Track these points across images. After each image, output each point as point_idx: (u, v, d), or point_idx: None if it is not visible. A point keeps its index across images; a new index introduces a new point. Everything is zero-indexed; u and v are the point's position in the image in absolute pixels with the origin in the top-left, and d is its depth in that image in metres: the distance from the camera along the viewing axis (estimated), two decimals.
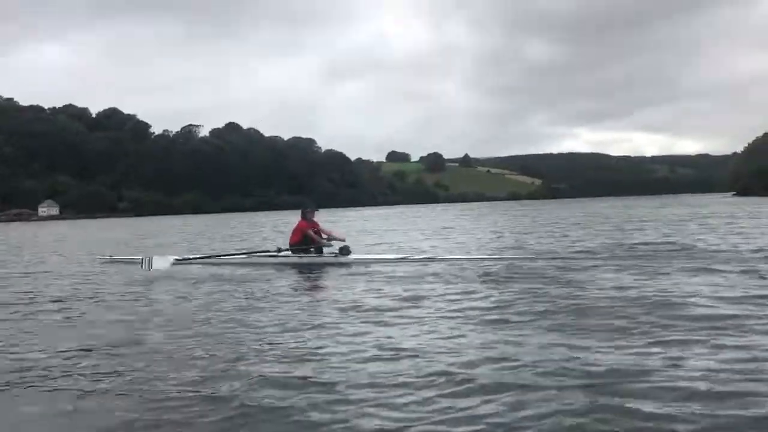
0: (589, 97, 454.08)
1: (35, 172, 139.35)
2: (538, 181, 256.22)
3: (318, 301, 7.84)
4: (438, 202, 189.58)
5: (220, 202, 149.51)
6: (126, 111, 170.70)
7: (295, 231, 12.61)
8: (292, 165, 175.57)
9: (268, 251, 12.83)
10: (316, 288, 9.25)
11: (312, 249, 12.42)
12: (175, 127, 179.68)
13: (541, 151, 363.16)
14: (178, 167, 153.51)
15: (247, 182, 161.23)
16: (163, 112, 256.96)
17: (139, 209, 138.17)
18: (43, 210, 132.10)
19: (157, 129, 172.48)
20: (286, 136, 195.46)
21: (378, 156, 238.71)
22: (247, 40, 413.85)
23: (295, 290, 8.87)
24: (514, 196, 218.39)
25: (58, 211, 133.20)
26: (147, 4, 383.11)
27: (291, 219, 25.98)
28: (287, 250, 12.47)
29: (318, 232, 12.58)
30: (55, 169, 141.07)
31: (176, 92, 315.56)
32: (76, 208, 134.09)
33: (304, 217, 12.61)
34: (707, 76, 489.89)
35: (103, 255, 15.48)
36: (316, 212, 12.94)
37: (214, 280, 10.30)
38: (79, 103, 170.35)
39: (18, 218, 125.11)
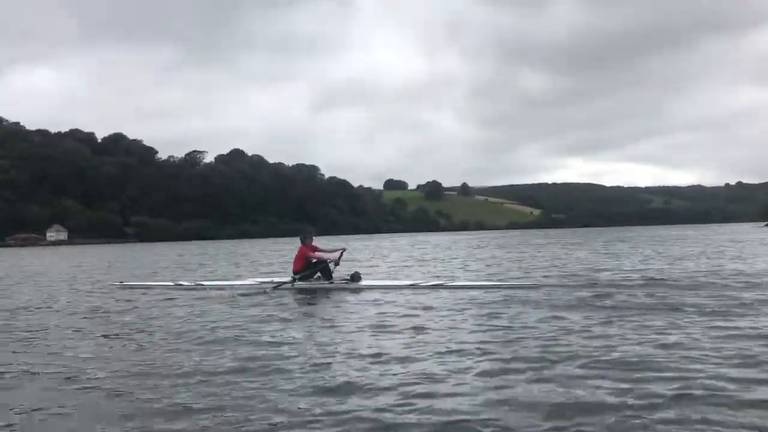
0: (582, 128, 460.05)
1: (42, 196, 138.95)
2: (536, 211, 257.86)
3: (325, 327, 8.00)
4: (439, 231, 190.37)
5: (226, 228, 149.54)
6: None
7: (298, 258, 12.86)
8: (296, 192, 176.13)
9: (283, 282, 12.96)
10: (325, 315, 9.23)
11: (319, 275, 12.72)
12: (172, 153, 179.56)
13: (534, 181, 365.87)
14: (185, 193, 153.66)
15: (253, 209, 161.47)
16: (157, 139, 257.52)
17: (145, 235, 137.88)
18: (51, 235, 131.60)
19: (159, 155, 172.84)
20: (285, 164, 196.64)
21: (374, 184, 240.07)
22: (238, 68, 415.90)
23: (306, 316, 9.36)
24: (514, 226, 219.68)
25: (66, 236, 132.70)
26: (136, 32, 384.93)
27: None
28: (297, 279, 12.61)
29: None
30: (62, 194, 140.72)
31: (170, 119, 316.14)
32: (83, 233, 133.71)
33: (303, 242, 12.92)
34: (698, 109, 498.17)
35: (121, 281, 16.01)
36: (314, 237, 13.27)
37: (227, 305, 10.64)
38: (70, 127, 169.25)
39: (26, 243, 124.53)
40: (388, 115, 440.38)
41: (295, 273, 12.74)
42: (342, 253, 13.16)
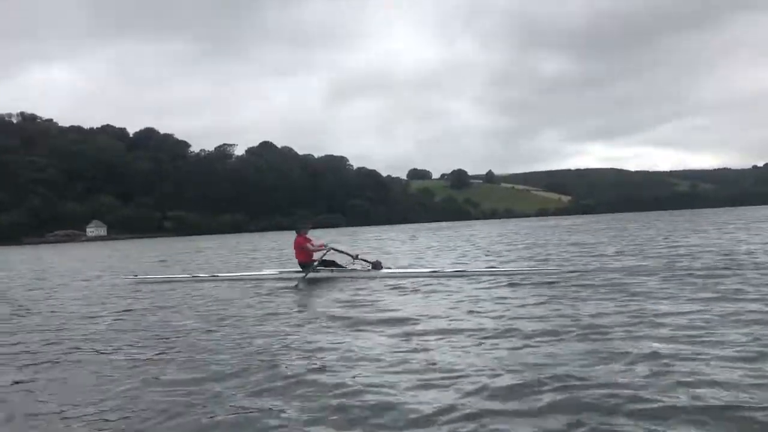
0: (601, 112, 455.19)
1: (79, 193, 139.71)
2: (564, 197, 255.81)
3: (346, 317, 7.77)
4: (469, 219, 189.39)
5: (260, 221, 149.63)
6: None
7: (298, 248, 13.10)
8: (327, 184, 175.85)
9: (305, 273, 12.78)
10: (349, 302, 9.11)
11: (332, 265, 12.93)
12: (192, 145, 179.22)
13: (555, 167, 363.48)
14: (219, 187, 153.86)
15: (285, 201, 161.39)
16: (178, 132, 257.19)
17: (182, 229, 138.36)
18: (91, 230, 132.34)
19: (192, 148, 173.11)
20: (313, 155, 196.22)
21: (397, 174, 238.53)
22: (254, 60, 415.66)
23: (330, 301, 9.27)
24: (544, 213, 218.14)
25: (105, 231, 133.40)
26: (151, 24, 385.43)
27: (326, 237, 26.55)
28: (315, 268, 12.68)
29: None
30: (98, 190, 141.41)
31: (188, 111, 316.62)
32: (121, 228, 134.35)
33: (299, 233, 13.24)
34: (720, 90, 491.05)
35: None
36: (309, 230, 13.50)
37: (247, 295, 10.70)
38: (99, 123, 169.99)
39: (67, 239, 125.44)
40: (405, 104, 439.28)
41: (301, 263, 12.99)
42: (324, 254, 12.94)
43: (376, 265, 12.64)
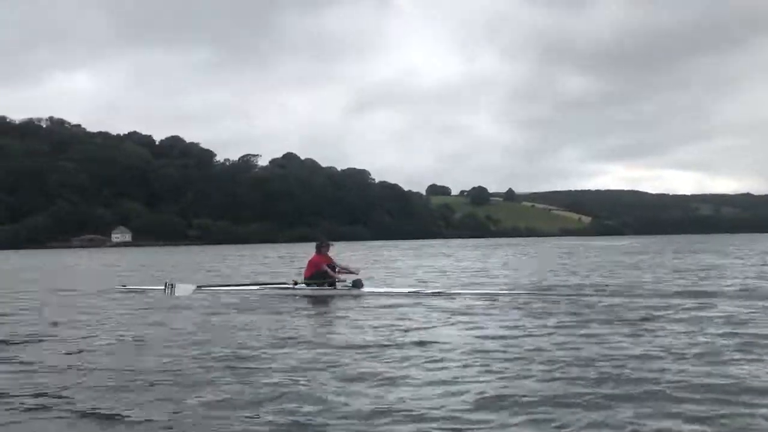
0: (622, 132, 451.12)
1: (106, 198, 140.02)
2: (584, 218, 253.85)
3: (325, 336, 7.84)
4: (489, 236, 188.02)
5: (284, 232, 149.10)
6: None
7: (310, 265, 13.03)
8: (349, 196, 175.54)
9: (285, 284, 13.28)
10: (325, 322, 9.30)
11: (326, 283, 12.67)
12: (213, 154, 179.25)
13: (574, 187, 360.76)
14: (244, 196, 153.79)
15: (309, 212, 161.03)
16: (200, 141, 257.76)
17: (208, 237, 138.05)
18: (116, 236, 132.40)
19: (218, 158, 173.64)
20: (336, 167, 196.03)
21: (416, 188, 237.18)
22: (274, 70, 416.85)
23: (307, 319, 9.54)
24: (566, 232, 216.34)
25: (130, 237, 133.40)
26: (172, 34, 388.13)
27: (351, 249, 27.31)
28: (302, 283, 12.81)
29: (333, 266, 12.91)
30: (124, 196, 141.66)
31: (208, 121, 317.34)
32: (147, 235, 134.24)
33: (318, 251, 13.05)
34: (745, 113, 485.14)
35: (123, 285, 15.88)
36: (330, 246, 13.38)
37: (229, 308, 10.81)
38: (112, 130, 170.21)
39: (92, 244, 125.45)
40: (425, 117, 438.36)
41: (306, 279, 12.94)
42: (350, 274, 13.02)
43: (357, 284, 12.51)
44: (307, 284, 12.76)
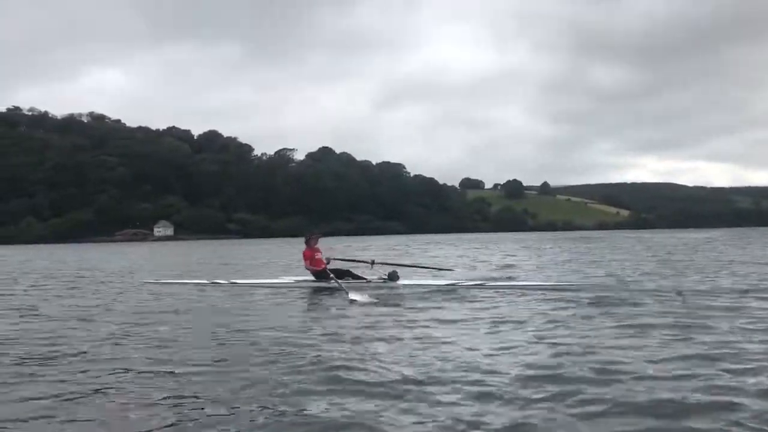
0: (656, 124, 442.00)
1: (147, 193, 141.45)
2: (622, 211, 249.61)
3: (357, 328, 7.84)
4: (527, 230, 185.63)
5: (321, 226, 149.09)
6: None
7: (304, 257, 13.38)
8: (385, 190, 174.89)
9: (365, 262, 13.68)
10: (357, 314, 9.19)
11: (351, 277, 12.91)
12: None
13: (608, 180, 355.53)
14: (281, 191, 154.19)
15: (345, 207, 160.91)
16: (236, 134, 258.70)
17: (246, 231, 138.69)
18: (158, 230, 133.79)
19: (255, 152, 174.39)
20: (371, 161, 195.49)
21: (449, 181, 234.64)
22: (304, 66, 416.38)
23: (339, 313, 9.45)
24: (603, 226, 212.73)
25: (172, 231, 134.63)
26: (201, 30, 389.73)
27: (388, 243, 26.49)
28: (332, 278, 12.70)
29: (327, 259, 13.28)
30: (165, 191, 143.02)
31: (239, 115, 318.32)
32: (188, 229, 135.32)
33: (307, 244, 13.40)
34: None
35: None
36: (318, 238, 13.62)
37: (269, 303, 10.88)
38: (147, 124, 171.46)
39: (135, 238, 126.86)
40: (456, 110, 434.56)
41: (314, 274, 13.18)
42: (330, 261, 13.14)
43: (393, 276, 12.39)
44: (335, 278, 12.60)
